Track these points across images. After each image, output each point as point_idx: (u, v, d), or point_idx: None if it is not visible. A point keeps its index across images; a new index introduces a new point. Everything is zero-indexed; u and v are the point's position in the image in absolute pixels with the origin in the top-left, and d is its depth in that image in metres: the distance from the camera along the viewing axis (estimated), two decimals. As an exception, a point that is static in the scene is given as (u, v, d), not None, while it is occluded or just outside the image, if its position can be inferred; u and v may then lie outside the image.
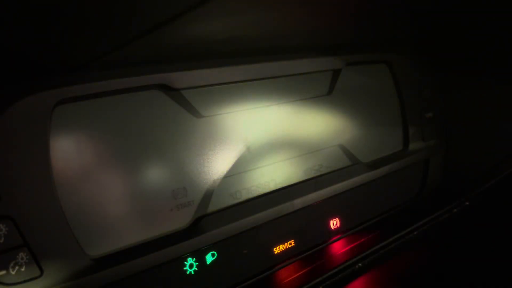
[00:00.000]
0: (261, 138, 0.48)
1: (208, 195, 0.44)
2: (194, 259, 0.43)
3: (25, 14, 0.19)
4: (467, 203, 0.63)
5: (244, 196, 0.46)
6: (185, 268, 0.42)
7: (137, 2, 0.20)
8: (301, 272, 0.48)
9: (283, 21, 0.32)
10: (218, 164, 0.44)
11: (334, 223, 0.55)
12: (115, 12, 0.21)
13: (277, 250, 0.49)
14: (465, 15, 0.45)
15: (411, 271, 0.48)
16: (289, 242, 0.51)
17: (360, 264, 0.49)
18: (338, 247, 0.53)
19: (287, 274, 0.48)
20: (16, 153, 0.32)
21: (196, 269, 0.43)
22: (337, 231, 0.56)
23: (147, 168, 0.40)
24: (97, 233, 0.37)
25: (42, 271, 0.33)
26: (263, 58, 0.47)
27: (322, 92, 0.53)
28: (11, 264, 0.32)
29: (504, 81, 0.61)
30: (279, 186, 0.49)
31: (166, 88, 0.40)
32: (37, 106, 0.33)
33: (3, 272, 0.32)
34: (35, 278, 0.33)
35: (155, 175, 0.40)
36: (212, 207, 0.44)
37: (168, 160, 0.41)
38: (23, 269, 0.32)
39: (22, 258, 0.32)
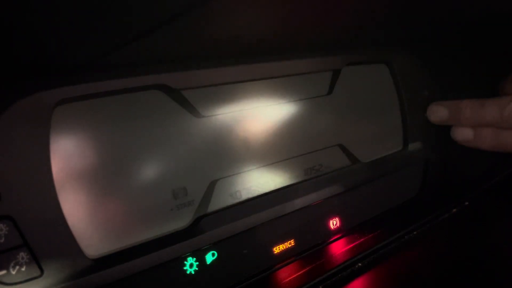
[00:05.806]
0: (261, 138, 0.48)
1: (208, 195, 0.44)
2: (194, 259, 0.43)
3: (25, 14, 0.19)
4: (467, 203, 0.63)
5: (244, 196, 0.46)
6: (185, 268, 0.42)
7: (137, 2, 0.20)
8: (301, 272, 0.48)
9: (283, 21, 0.32)
10: (218, 164, 0.44)
11: (334, 223, 0.55)
12: (115, 12, 0.21)
13: (277, 250, 0.49)
14: (464, 15, 0.45)
15: (411, 271, 0.48)
16: (289, 242, 0.51)
17: (360, 264, 0.49)
18: (338, 247, 0.53)
19: (287, 274, 0.48)
20: (16, 153, 0.32)
21: (196, 269, 0.43)
22: (337, 231, 0.56)
23: (147, 168, 0.40)
24: (97, 233, 0.37)
25: (42, 271, 0.33)
26: (263, 58, 0.47)
27: (322, 92, 0.53)
28: (12, 264, 0.32)
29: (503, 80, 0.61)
30: (279, 186, 0.49)
31: (166, 88, 0.41)
32: (37, 106, 0.33)
33: (4, 272, 0.32)
34: (36, 278, 0.33)
35: (155, 175, 0.40)
36: (212, 207, 0.44)
37: (168, 160, 0.41)
38: (23, 269, 0.32)
39: (22, 258, 0.32)
